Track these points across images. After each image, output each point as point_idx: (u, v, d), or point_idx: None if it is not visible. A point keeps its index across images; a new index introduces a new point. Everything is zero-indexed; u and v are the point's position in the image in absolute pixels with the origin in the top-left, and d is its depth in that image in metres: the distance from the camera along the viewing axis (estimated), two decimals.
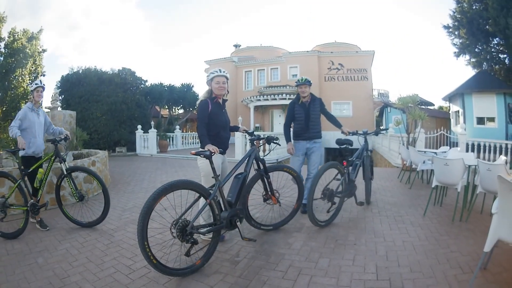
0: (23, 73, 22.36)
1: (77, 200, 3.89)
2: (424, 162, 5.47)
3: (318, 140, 4.19)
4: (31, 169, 3.83)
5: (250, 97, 23.67)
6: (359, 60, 23.59)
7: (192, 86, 22.22)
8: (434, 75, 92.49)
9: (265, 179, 3.36)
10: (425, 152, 6.16)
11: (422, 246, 2.95)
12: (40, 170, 3.87)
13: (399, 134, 9.39)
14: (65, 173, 3.87)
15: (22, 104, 21.14)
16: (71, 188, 3.88)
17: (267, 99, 22.63)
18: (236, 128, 3.57)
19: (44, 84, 4.08)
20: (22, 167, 3.82)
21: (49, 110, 8.56)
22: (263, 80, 25.61)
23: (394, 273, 2.46)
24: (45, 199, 4.32)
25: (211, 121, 3.08)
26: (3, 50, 22.02)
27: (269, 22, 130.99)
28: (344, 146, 3.95)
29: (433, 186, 4.14)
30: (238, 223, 2.86)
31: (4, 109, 20.84)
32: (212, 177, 2.75)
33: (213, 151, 2.71)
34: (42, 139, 4.15)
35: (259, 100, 23.05)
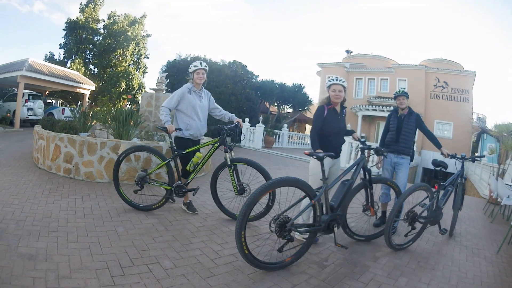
0: (124, 53, 24.10)
1: (237, 193, 3.58)
2: (508, 197, 5.06)
3: (406, 157, 4.01)
4: (186, 151, 3.67)
5: (359, 106, 23.20)
6: (461, 79, 22.08)
7: (303, 87, 22.10)
8: None
9: (368, 189, 3.37)
10: (510, 186, 5.68)
11: (488, 284, 2.91)
12: (198, 154, 3.67)
13: (491, 163, 8.70)
14: (228, 163, 3.57)
15: (123, 83, 22.88)
16: (232, 180, 3.58)
17: (375, 110, 22.07)
18: (351, 132, 3.56)
19: (205, 66, 3.77)
20: (175, 147, 3.71)
21: (153, 92, 9.01)
22: (373, 89, 25.00)
23: None
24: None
25: (324, 126, 3.17)
26: (102, 30, 24.07)
27: (379, 28, 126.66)
28: (440, 168, 3.81)
29: None
30: (335, 228, 2.88)
31: (100, 84, 22.66)
32: (320, 179, 2.82)
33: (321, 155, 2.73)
34: (204, 122, 3.94)
35: (368, 109, 22.56)
